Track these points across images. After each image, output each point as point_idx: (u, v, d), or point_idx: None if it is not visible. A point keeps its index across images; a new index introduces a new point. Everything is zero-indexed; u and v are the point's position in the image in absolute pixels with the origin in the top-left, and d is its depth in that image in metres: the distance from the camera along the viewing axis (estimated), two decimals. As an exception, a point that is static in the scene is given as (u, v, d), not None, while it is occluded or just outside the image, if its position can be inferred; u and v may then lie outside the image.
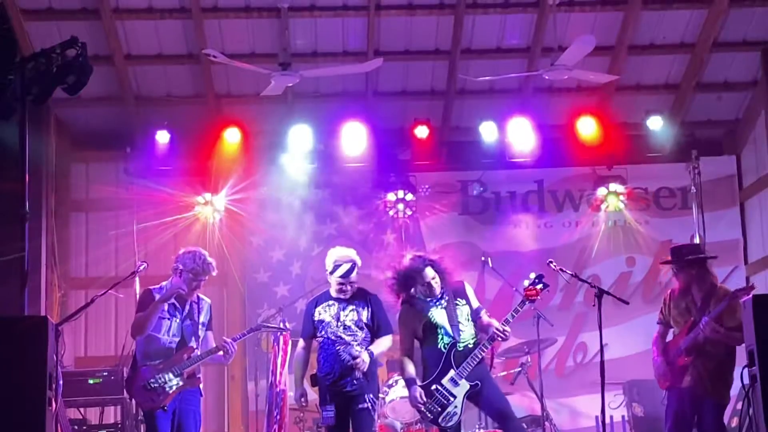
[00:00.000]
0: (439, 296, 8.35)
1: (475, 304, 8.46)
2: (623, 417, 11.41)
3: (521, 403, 11.02)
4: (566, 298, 12.41)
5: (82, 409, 10.99)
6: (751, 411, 7.18)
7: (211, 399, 11.90)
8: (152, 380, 8.38)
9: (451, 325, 8.25)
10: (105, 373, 10.73)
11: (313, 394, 11.43)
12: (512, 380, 10.24)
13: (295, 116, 12.17)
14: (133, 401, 9.46)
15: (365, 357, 8.22)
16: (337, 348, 8.30)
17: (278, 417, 9.87)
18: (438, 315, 8.29)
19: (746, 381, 7.07)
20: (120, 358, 10.85)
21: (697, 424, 8.51)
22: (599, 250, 12.53)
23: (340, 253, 8.63)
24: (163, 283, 8.73)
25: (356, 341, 8.28)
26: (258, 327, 9.10)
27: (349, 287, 8.48)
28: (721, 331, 8.34)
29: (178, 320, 8.58)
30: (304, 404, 8.49)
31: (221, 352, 8.51)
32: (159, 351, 8.51)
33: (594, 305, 8.60)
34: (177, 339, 8.53)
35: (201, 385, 8.68)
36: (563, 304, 12.41)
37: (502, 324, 8.13)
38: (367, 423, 8.26)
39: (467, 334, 8.28)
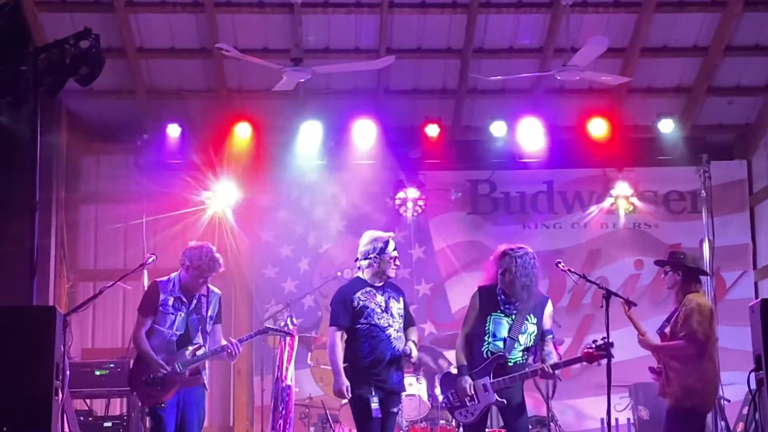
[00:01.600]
0: (514, 302, 8.12)
1: (548, 325, 8.27)
2: (628, 420, 11.40)
3: (527, 404, 10.98)
4: (574, 300, 12.42)
5: (88, 401, 11.02)
6: (757, 415, 7.18)
7: (216, 393, 11.92)
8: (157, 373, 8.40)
9: (509, 338, 8.06)
10: (112, 365, 10.75)
11: (318, 390, 11.53)
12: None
13: (306, 112, 12.18)
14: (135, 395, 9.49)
15: (414, 351, 8.14)
16: (387, 333, 8.12)
17: (284, 412, 9.88)
18: (496, 322, 8.12)
19: (753, 385, 7.07)
20: (127, 350, 10.85)
21: None
22: (608, 252, 12.52)
23: (377, 234, 8.39)
24: (172, 275, 8.75)
25: (398, 331, 8.17)
26: (265, 330, 9.07)
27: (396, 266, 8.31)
28: (651, 344, 8.60)
29: (183, 315, 8.59)
30: (349, 396, 8.19)
31: (226, 353, 8.51)
32: (161, 345, 8.53)
33: (601, 306, 8.60)
34: (180, 333, 8.53)
35: (206, 380, 8.69)
36: (571, 306, 12.41)
37: (549, 367, 8.03)
38: (393, 428, 8.23)
39: (518, 351, 8.11)
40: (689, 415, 8.47)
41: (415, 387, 9.97)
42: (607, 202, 12.66)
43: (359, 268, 8.21)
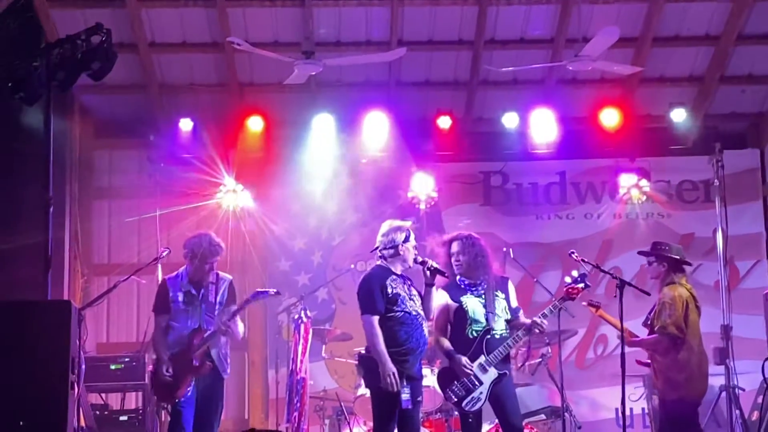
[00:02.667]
0: (477, 282, 8.36)
1: (514, 303, 8.49)
2: (643, 409, 11.41)
3: (541, 395, 11.00)
4: (583, 290, 12.36)
5: (103, 395, 11.07)
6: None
7: (231, 386, 11.92)
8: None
9: (487, 313, 8.28)
10: (127, 359, 10.80)
11: (333, 383, 11.55)
12: (532, 371, 10.23)
13: (318, 105, 12.19)
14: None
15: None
16: (420, 321, 8.13)
17: (298, 405, 9.89)
18: (470, 302, 8.32)
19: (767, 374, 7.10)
20: (142, 344, 10.91)
21: None
22: (621, 242, 12.49)
23: (399, 223, 8.39)
24: (179, 271, 8.78)
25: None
26: (255, 296, 9.01)
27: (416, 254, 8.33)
28: (631, 340, 8.85)
29: (195, 307, 8.64)
30: (396, 384, 8.13)
31: (220, 332, 8.57)
32: (177, 340, 8.58)
33: (615, 296, 8.66)
34: (193, 326, 8.59)
35: (225, 368, 8.71)
36: (584, 296, 12.36)
37: (540, 317, 8.25)
38: (419, 416, 8.27)
39: (500, 324, 8.32)
40: (677, 407, 8.74)
41: (429, 378, 9.96)
42: (619, 192, 12.62)
43: (381, 257, 8.20)
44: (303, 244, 12.66)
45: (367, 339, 7.99)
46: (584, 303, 8.69)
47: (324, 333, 10.94)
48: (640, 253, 9.82)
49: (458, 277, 8.44)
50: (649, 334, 8.98)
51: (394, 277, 8.07)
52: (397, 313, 7.99)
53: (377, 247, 8.22)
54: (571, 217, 12.77)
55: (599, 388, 11.90)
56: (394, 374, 7.80)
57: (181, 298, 8.64)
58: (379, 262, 8.19)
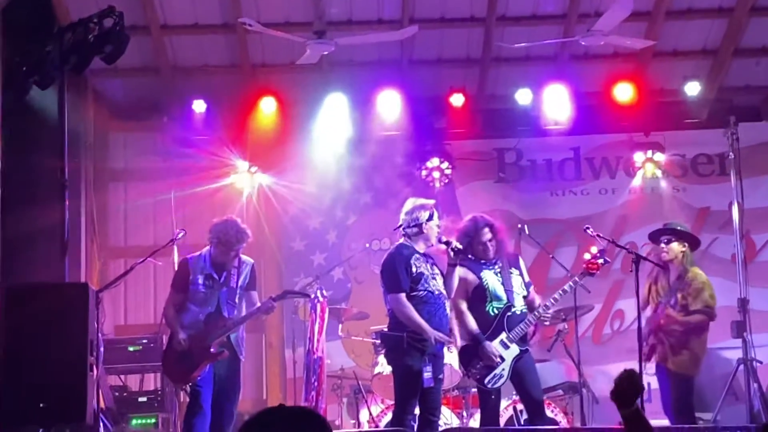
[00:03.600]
0: (493, 261, 8.40)
1: (526, 278, 8.57)
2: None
3: (558, 370, 11.00)
4: (603, 265, 12.35)
5: (122, 376, 11.12)
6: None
7: (249, 366, 11.91)
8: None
9: (506, 291, 8.33)
10: (145, 341, 10.85)
11: (350, 362, 11.58)
12: (549, 347, 10.25)
13: (330, 85, 12.17)
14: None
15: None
16: (443, 301, 8.16)
17: (316, 384, 9.92)
18: (490, 278, 8.36)
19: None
20: (159, 326, 10.94)
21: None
22: (636, 217, 12.46)
23: (423, 201, 8.42)
24: (203, 251, 8.80)
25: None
26: (283, 294, 9.12)
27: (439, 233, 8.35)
28: (679, 318, 9.12)
29: (214, 291, 8.65)
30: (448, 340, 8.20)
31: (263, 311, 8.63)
32: (192, 323, 8.62)
33: (631, 271, 8.70)
34: (209, 310, 8.61)
35: (241, 351, 8.75)
36: (600, 271, 12.33)
37: (551, 301, 8.34)
38: (440, 393, 8.32)
39: (520, 301, 8.38)
40: (693, 383, 9.18)
41: (446, 356, 9.99)
42: (634, 167, 12.59)
43: (405, 235, 8.21)
44: (318, 224, 12.66)
45: (399, 316, 8.01)
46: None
47: (340, 312, 10.96)
48: (652, 234, 9.81)
49: (475, 255, 8.49)
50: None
51: (418, 255, 8.11)
52: (420, 293, 8.03)
53: (400, 225, 8.24)
54: (585, 192, 12.75)
55: (616, 363, 11.87)
56: (438, 337, 7.92)
57: (201, 280, 8.66)
58: (402, 241, 8.22)
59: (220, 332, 8.53)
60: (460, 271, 8.35)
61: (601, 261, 8.59)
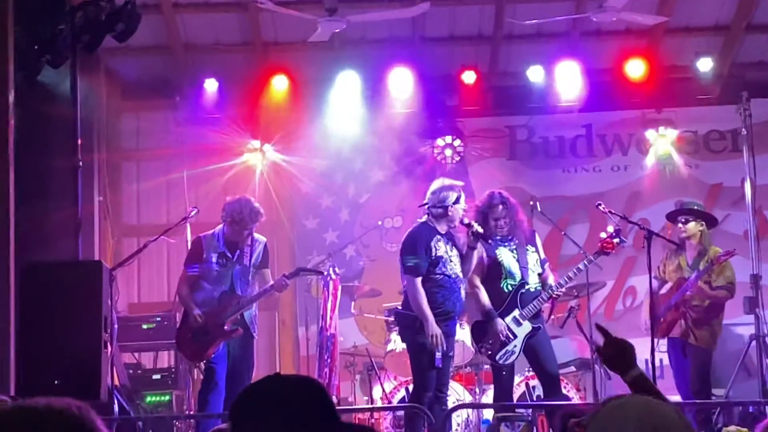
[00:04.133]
0: (510, 237, 8.41)
1: (542, 255, 8.59)
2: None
3: (570, 347, 11.03)
4: (619, 245, 12.34)
5: (136, 354, 11.18)
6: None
7: (262, 344, 11.99)
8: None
9: (521, 267, 8.36)
10: (158, 319, 10.89)
11: (363, 339, 11.62)
12: (561, 324, 10.27)
13: (341, 62, 12.16)
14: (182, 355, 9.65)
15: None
16: (459, 286, 8.23)
17: (329, 361, 9.96)
18: (505, 255, 8.38)
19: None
20: (173, 304, 10.99)
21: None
22: (648, 193, 12.45)
23: (450, 182, 8.47)
24: (216, 230, 8.84)
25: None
26: (297, 271, 9.20)
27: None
28: (708, 291, 9.21)
29: (228, 269, 8.69)
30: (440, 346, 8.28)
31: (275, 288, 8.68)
32: (205, 300, 8.66)
33: (643, 247, 8.72)
34: (223, 288, 8.66)
35: (254, 329, 8.81)
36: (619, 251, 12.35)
37: (565, 278, 8.37)
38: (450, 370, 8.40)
39: (534, 278, 8.41)
40: (712, 358, 9.38)
41: (458, 333, 10.02)
42: (647, 144, 12.56)
43: (428, 214, 8.25)
44: (330, 202, 12.68)
45: (410, 299, 8.07)
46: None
47: (353, 290, 10.99)
48: (670, 214, 9.85)
49: (492, 233, 8.49)
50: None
51: (439, 237, 8.16)
52: (437, 276, 8.10)
53: (426, 204, 8.28)
54: (597, 169, 12.73)
55: (628, 339, 11.87)
56: (438, 336, 7.92)
57: (214, 259, 8.71)
58: (424, 219, 8.28)
59: (234, 310, 8.58)
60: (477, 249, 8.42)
61: (616, 240, 8.61)
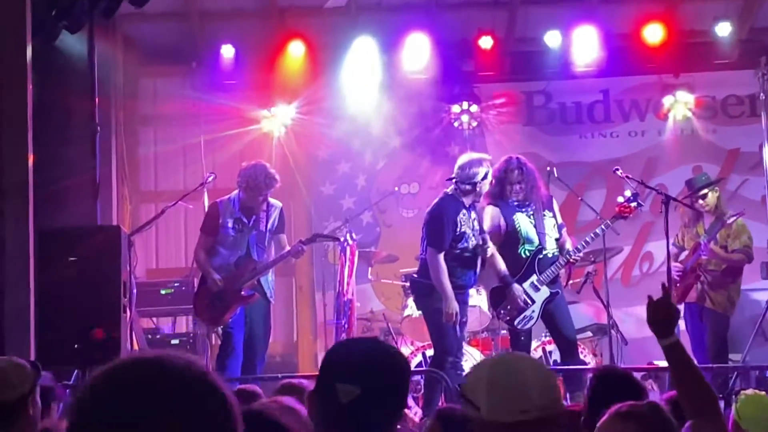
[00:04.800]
0: (527, 202, 8.43)
1: (559, 220, 8.60)
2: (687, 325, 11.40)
3: (587, 312, 11.06)
4: (636, 209, 12.32)
5: (154, 319, 11.25)
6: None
7: (279, 310, 12.05)
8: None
9: (539, 233, 8.38)
10: (176, 284, 10.95)
11: (379, 305, 11.67)
12: (578, 289, 10.29)
13: (358, 28, 12.12)
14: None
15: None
16: (477, 260, 8.32)
17: (346, 326, 10.01)
18: (522, 221, 8.40)
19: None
20: (190, 269, 11.04)
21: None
22: (666, 159, 12.41)
23: (479, 156, 8.53)
24: (232, 195, 8.87)
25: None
26: (313, 238, 9.25)
27: None
28: (721, 254, 9.24)
29: (244, 234, 8.72)
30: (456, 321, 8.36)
31: (292, 254, 8.72)
32: (222, 265, 8.70)
33: (660, 212, 8.72)
34: (240, 254, 8.69)
35: (271, 295, 8.85)
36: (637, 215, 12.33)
37: (582, 243, 8.39)
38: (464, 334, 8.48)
39: (552, 243, 8.44)
40: (728, 323, 9.46)
41: (475, 298, 10.04)
42: (664, 109, 12.51)
43: (457, 188, 8.29)
44: (347, 168, 12.68)
45: (431, 272, 8.12)
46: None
47: (370, 255, 11.02)
48: (691, 189, 9.86)
49: (509, 199, 8.52)
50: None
51: (465, 211, 8.21)
52: (458, 251, 8.15)
53: (453, 178, 8.31)
54: (615, 135, 12.69)
55: (645, 305, 11.89)
56: (456, 313, 8.04)
57: (230, 224, 8.74)
58: (450, 191, 8.31)
59: (250, 275, 8.62)
60: (493, 212, 8.44)
61: (634, 204, 8.61)
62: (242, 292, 8.63)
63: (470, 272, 8.30)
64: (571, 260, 8.58)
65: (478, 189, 8.26)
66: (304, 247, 8.88)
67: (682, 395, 3.82)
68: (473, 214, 8.34)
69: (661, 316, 3.74)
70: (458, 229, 8.18)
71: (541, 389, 2.63)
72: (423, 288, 8.28)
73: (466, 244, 8.22)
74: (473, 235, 8.24)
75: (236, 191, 8.88)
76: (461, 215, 8.20)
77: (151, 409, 1.66)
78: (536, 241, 8.46)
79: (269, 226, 8.82)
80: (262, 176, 8.71)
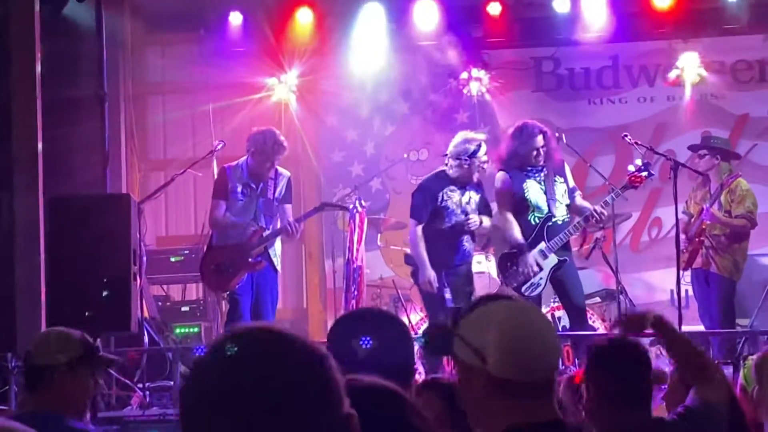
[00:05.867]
0: (540, 168, 8.44)
1: (571, 183, 8.62)
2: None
3: (596, 278, 11.08)
4: (647, 179, 12.30)
5: (164, 287, 11.30)
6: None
7: (289, 277, 12.12)
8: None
9: (548, 200, 8.40)
10: (186, 252, 10.99)
11: (389, 271, 11.70)
12: (587, 255, 10.31)
13: (366, -5, 12.10)
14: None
15: (485, 220, 8.39)
16: (461, 238, 8.39)
17: (356, 293, 10.03)
18: (532, 188, 8.42)
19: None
20: (200, 237, 11.08)
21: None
22: (675, 124, 12.36)
23: (471, 135, 8.61)
24: (240, 161, 8.88)
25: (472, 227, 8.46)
26: (321, 206, 9.27)
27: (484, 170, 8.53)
28: (722, 218, 9.21)
29: (252, 200, 8.74)
30: (435, 288, 8.49)
31: (285, 233, 8.73)
32: (228, 232, 8.72)
33: (669, 178, 8.72)
34: (248, 219, 8.71)
35: (278, 262, 8.88)
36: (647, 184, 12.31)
37: (601, 206, 8.37)
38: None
39: (561, 210, 8.44)
40: (735, 287, 9.45)
41: (484, 264, 10.08)
42: (673, 74, 12.45)
43: (447, 164, 8.40)
44: (356, 135, 12.68)
45: (410, 244, 8.29)
46: None
47: (379, 222, 11.04)
48: (691, 147, 9.91)
49: (520, 162, 8.54)
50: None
51: (453, 187, 8.27)
52: (442, 226, 8.23)
53: (446, 154, 8.42)
54: (624, 101, 12.65)
55: (654, 270, 11.93)
56: (431, 281, 8.28)
57: (239, 189, 8.76)
58: (442, 168, 8.41)
59: (258, 242, 8.65)
60: (503, 177, 8.49)
61: (644, 174, 8.57)
62: (249, 259, 8.66)
63: (454, 248, 8.33)
64: (582, 228, 8.58)
65: (466, 166, 8.33)
66: (299, 225, 8.93)
67: (680, 365, 3.90)
68: (470, 194, 8.39)
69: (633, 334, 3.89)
70: (440, 203, 8.28)
71: (553, 350, 2.64)
72: (412, 261, 8.54)
73: (449, 220, 8.29)
74: (463, 211, 8.33)
75: (245, 157, 8.90)
76: (446, 191, 8.34)
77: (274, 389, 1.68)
78: (545, 209, 8.47)
79: (277, 193, 8.83)
80: (270, 142, 8.72)
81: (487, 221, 8.65)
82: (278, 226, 8.89)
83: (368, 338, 2.88)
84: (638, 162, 8.74)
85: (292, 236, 8.98)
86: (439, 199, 8.36)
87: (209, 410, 1.68)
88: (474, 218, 8.44)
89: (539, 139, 8.51)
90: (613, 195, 8.63)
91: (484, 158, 8.45)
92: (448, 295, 8.24)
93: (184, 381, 1.76)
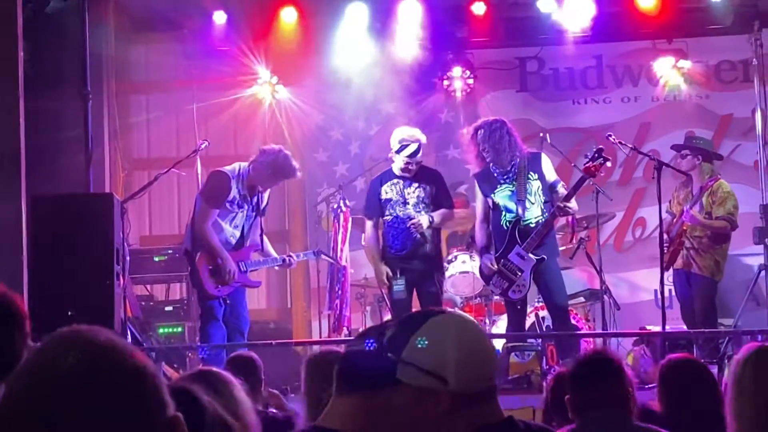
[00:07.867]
0: (509, 170, 8.41)
1: (552, 177, 8.56)
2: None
3: (580, 278, 11.10)
4: (625, 173, 12.35)
5: (148, 286, 11.27)
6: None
7: (273, 276, 12.11)
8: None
9: (518, 201, 8.37)
10: (170, 251, 10.94)
11: (373, 271, 11.68)
12: (571, 255, 10.32)
13: (351, -6, 12.08)
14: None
15: (423, 219, 8.46)
16: (408, 225, 8.46)
17: (340, 293, 10.02)
18: (500, 196, 8.42)
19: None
20: (184, 236, 11.05)
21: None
22: (659, 124, 12.40)
23: (406, 133, 8.71)
24: (241, 168, 8.75)
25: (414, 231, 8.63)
26: (318, 252, 9.40)
27: (414, 166, 8.61)
28: (702, 220, 9.26)
29: (244, 213, 8.70)
30: (387, 282, 8.68)
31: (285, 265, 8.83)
32: (222, 243, 8.67)
33: (653, 178, 8.71)
34: (238, 233, 8.68)
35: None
36: (622, 179, 12.36)
37: (562, 201, 8.33)
38: (436, 306, 8.45)
39: (534, 211, 8.39)
40: (716, 287, 9.46)
41: (468, 264, 10.08)
42: (657, 75, 12.48)
43: (392, 160, 8.68)
44: (340, 135, 12.68)
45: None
46: None
47: (363, 222, 11.02)
48: (673, 147, 9.94)
49: (491, 166, 8.53)
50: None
51: (396, 180, 8.54)
52: (387, 218, 8.46)
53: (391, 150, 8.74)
54: (608, 101, 12.68)
55: (638, 270, 11.96)
56: (387, 275, 8.69)
57: (237, 201, 8.69)
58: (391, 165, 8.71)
59: (253, 264, 8.72)
60: (477, 191, 8.64)
61: (599, 161, 8.47)
62: (248, 276, 8.72)
63: (401, 237, 8.67)
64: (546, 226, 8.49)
65: (402, 163, 8.64)
66: (294, 260, 9.07)
67: None
68: (415, 187, 8.55)
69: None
70: (383, 197, 8.74)
71: (495, 354, 2.67)
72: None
73: (392, 211, 8.67)
74: (405, 202, 8.52)
75: (244, 164, 8.72)
76: (389, 184, 8.69)
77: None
78: (514, 212, 8.45)
79: (263, 205, 8.84)
80: (290, 167, 8.66)
81: (437, 217, 8.66)
82: (257, 239, 8.85)
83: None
84: (589, 153, 8.67)
85: (289, 267, 9.20)
86: (382, 193, 8.77)
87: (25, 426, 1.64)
88: (417, 220, 8.52)
89: (478, 135, 8.52)
90: (574, 188, 8.52)
91: (405, 158, 8.67)
92: (397, 287, 8.48)
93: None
